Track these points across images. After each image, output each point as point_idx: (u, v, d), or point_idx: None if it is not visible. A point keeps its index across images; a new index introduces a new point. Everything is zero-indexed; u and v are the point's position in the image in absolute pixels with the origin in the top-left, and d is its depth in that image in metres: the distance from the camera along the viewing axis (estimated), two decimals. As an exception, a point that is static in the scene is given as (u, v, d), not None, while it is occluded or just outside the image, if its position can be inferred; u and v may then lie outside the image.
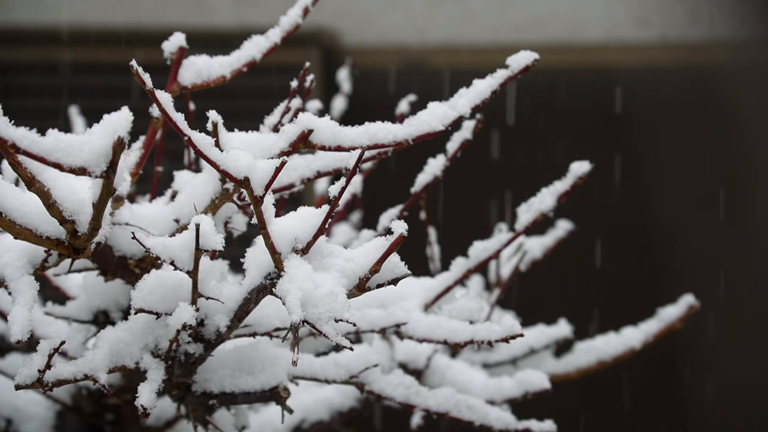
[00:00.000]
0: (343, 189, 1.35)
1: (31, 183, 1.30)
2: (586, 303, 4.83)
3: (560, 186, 1.83)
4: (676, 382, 4.98)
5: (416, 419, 2.07)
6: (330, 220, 1.37)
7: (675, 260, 4.97)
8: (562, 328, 2.18)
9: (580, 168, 1.83)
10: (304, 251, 1.37)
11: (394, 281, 1.39)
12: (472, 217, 4.41)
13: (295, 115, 1.70)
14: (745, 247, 4.97)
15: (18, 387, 1.34)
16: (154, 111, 1.61)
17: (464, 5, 5.02)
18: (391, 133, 1.52)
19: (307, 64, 1.72)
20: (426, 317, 1.73)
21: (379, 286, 1.38)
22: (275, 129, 1.70)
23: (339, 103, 2.57)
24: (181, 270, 1.39)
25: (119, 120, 1.28)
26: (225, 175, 1.33)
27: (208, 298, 1.43)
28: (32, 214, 1.35)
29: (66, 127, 1.64)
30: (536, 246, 2.26)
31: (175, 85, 1.64)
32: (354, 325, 1.32)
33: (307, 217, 1.38)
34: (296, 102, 1.71)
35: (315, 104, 2.08)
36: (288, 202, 1.83)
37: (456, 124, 1.58)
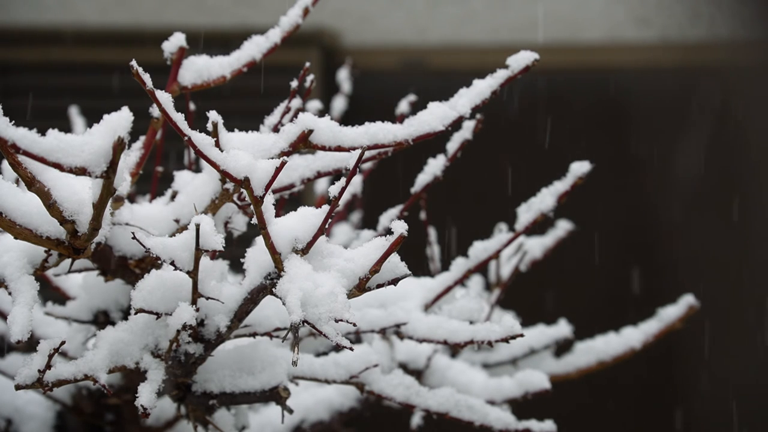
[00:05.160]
0: (343, 189, 1.35)
1: (32, 183, 1.30)
2: (586, 303, 4.83)
3: (560, 186, 1.83)
4: (676, 381, 4.98)
5: (416, 419, 2.07)
6: (330, 220, 1.37)
7: (675, 260, 4.97)
8: (562, 328, 2.18)
9: (580, 168, 1.83)
10: (304, 251, 1.37)
11: (394, 281, 1.39)
12: (471, 217, 4.41)
13: (295, 115, 1.70)
14: (745, 247, 4.97)
15: (18, 387, 1.34)
16: (154, 111, 1.61)
17: (464, 5, 5.02)
18: (391, 133, 1.52)
19: (307, 64, 1.72)
20: (426, 317, 1.73)
21: (379, 286, 1.38)
22: (275, 129, 1.70)
23: (339, 103, 2.57)
24: (181, 270, 1.39)
25: (119, 120, 1.28)
26: (225, 175, 1.33)
27: (208, 298, 1.43)
28: (32, 214, 1.35)
29: (66, 127, 1.64)
30: (536, 246, 2.26)
31: (175, 85, 1.64)
32: (354, 325, 1.32)
33: (307, 217, 1.38)
34: (296, 102, 1.71)
35: (315, 104, 2.08)
36: (288, 202, 1.83)
37: (456, 124, 1.58)
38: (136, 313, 1.42)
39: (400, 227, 1.35)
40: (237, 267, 1.55)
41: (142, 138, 1.64)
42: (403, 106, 2.11)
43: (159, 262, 1.42)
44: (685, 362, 4.93)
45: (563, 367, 2.19)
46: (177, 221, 1.58)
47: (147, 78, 1.31)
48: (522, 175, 4.62)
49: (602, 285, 4.97)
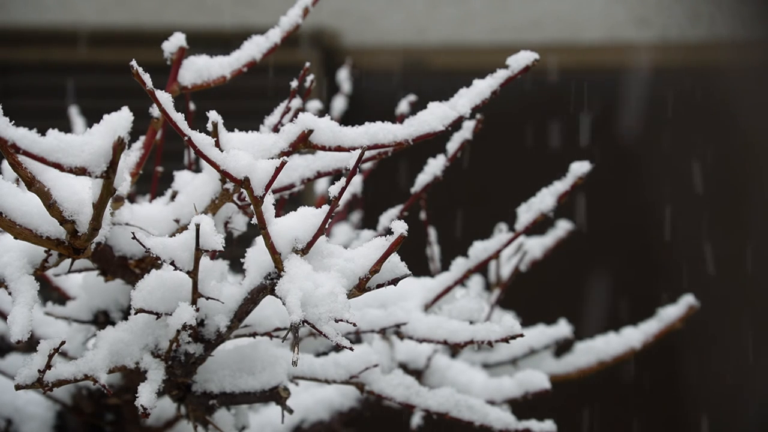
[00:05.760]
0: (343, 189, 1.35)
1: (32, 183, 1.30)
2: (586, 303, 4.83)
3: (560, 186, 1.83)
4: (676, 381, 4.98)
5: (416, 419, 2.07)
6: (330, 220, 1.37)
7: (675, 260, 4.97)
8: (562, 328, 2.18)
9: (580, 168, 1.83)
10: (304, 251, 1.37)
11: (394, 281, 1.39)
12: (471, 217, 4.41)
13: (295, 115, 1.70)
14: (745, 247, 4.97)
15: (18, 387, 1.34)
16: (154, 111, 1.61)
17: (464, 6, 5.02)
18: (391, 133, 1.52)
19: (307, 64, 1.72)
20: (426, 317, 1.73)
21: (379, 286, 1.38)
22: (275, 129, 1.70)
23: (339, 103, 2.57)
24: (181, 270, 1.39)
25: (119, 120, 1.28)
26: (225, 175, 1.33)
27: (208, 298, 1.43)
28: (32, 214, 1.35)
29: (66, 127, 1.64)
30: (536, 246, 2.26)
31: (175, 85, 1.64)
32: (354, 325, 1.32)
33: (307, 217, 1.38)
34: (296, 102, 1.71)
35: (315, 104, 2.08)
36: (288, 202, 1.83)
37: (456, 124, 1.58)
38: (136, 313, 1.42)
39: (400, 227, 1.35)
40: (237, 267, 1.55)
41: (142, 138, 1.64)
42: (403, 106, 2.11)
43: (159, 262, 1.42)
44: (684, 361, 4.93)
45: (563, 367, 2.19)
46: (177, 221, 1.58)
47: (147, 78, 1.31)
48: (522, 175, 4.62)
49: (602, 285, 4.97)
